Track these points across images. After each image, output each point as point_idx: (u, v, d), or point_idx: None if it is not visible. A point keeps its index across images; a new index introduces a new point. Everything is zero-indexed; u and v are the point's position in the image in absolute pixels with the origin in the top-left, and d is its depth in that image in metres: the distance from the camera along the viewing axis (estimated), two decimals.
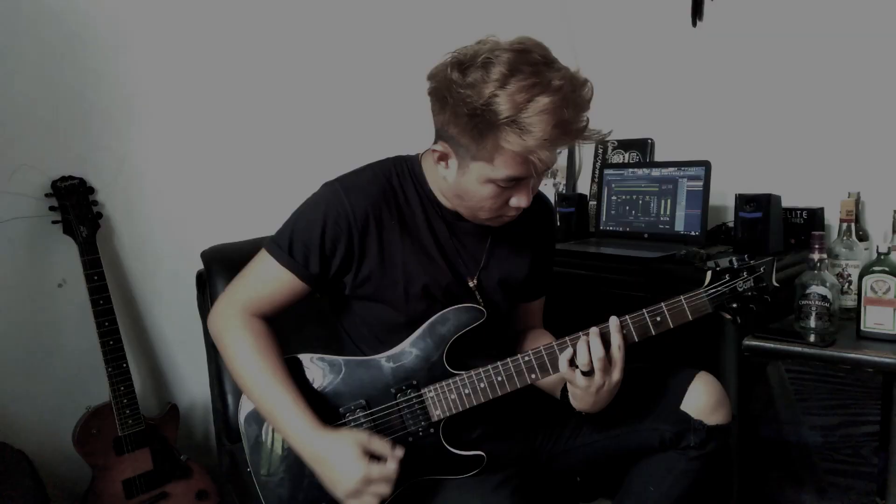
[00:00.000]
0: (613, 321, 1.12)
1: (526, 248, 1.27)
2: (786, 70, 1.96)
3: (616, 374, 1.11)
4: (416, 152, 1.23)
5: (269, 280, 1.15)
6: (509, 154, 1.03)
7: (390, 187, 1.17)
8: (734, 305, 1.16)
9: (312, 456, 1.08)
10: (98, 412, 1.66)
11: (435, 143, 1.12)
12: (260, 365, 1.11)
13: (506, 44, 1.03)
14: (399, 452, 1.06)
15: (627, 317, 1.13)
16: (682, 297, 1.14)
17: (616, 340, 1.11)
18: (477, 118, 1.00)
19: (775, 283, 1.18)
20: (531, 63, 1.01)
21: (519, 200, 1.11)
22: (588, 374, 1.10)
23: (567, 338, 1.13)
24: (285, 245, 1.13)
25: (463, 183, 1.10)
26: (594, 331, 1.11)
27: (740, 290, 1.16)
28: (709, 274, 1.17)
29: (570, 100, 1.01)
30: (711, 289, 1.15)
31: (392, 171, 1.18)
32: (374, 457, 1.06)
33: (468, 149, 1.05)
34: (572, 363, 1.11)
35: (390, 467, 1.04)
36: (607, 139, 2.31)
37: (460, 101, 1.01)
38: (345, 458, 1.04)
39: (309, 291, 1.17)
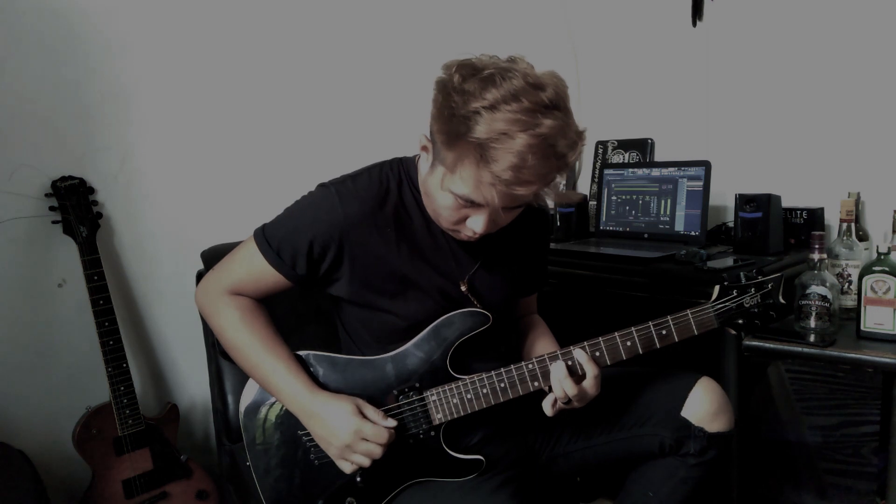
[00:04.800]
0: (580, 355, 1.11)
1: (520, 254, 1.27)
2: (786, 70, 1.97)
3: (592, 394, 1.13)
4: (415, 154, 1.22)
5: (255, 272, 1.16)
6: (465, 174, 1.00)
7: (387, 192, 1.15)
8: (740, 321, 1.16)
9: (307, 413, 1.11)
10: (98, 412, 1.66)
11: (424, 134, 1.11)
12: (249, 336, 1.14)
13: (523, 72, 0.98)
14: (390, 422, 1.10)
15: (633, 329, 1.13)
16: (688, 312, 1.14)
17: (591, 371, 1.11)
18: (453, 124, 0.98)
19: (782, 301, 1.18)
20: (533, 101, 0.95)
21: (474, 223, 1.07)
22: (567, 403, 1.12)
23: (571, 347, 1.14)
24: (275, 244, 1.14)
25: (429, 181, 1.09)
26: (563, 372, 1.10)
27: (747, 305, 1.15)
28: (717, 288, 1.16)
29: (542, 150, 0.95)
30: (719, 303, 1.15)
31: (389, 175, 1.17)
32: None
33: (438, 151, 1.03)
34: (555, 403, 1.13)
35: (382, 431, 1.08)
36: (607, 140, 2.31)
37: (447, 102, 0.99)
38: (339, 414, 1.08)
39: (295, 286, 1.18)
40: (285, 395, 1.12)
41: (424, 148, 1.10)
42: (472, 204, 1.04)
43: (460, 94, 0.97)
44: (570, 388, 1.10)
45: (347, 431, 1.07)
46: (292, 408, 1.13)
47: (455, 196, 1.03)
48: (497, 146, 0.95)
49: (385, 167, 1.19)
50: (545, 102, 0.96)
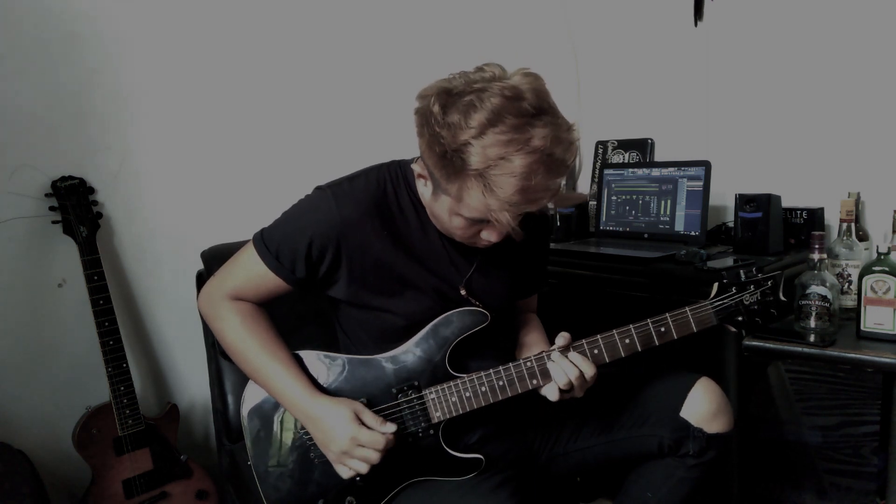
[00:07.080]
0: (576, 358, 1.12)
1: (520, 255, 1.26)
2: (786, 70, 1.97)
3: (590, 383, 1.14)
4: (412, 157, 1.22)
5: (255, 276, 1.16)
6: (473, 203, 1.01)
7: (383, 194, 1.16)
8: (739, 318, 1.15)
9: (307, 416, 1.12)
10: (98, 412, 1.66)
11: (418, 160, 1.11)
12: (250, 341, 1.15)
13: (498, 86, 0.96)
14: (389, 427, 1.10)
15: (632, 326, 1.13)
16: (687, 309, 1.13)
17: (588, 371, 1.11)
18: (447, 160, 0.98)
19: (782, 298, 1.17)
20: (517, 114, 0.95)
21: (489, 235, 1.09)
22: (569, 392, 1.13)
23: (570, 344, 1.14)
24: (273, 248, 1.14)
25: (435, 207, 1.10)
26: (564, 361, 1.11)
27: (747, 303, 1.15)
28: (715, 286, 1.15)
29: (543, 164, 0.96)
30: (717, 301, 1.14)
31: (386, 178, 1.17)
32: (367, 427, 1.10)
33: (439, 182, 1.04)
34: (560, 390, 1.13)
35: (379, 437, 1.08)
36: (607, 140, 2.31)
37: (435, 138, 0.98)
38: (338, 419, 1.08)
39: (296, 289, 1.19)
40: (286, 398, 1.13)
41: (421, 176, 1.11)
42: (483, 221, 1.05)
43: (446, 128, 0.97)
44: (571, 371, 1.10)
45: (344, 438, 1.07)
46: (293, 411, 1.14)
47: (465, 218, 1.05)
48: (497, 172, 0.95)
49: (382, 170, 1.19)
50: (529, 111, 0.96)
